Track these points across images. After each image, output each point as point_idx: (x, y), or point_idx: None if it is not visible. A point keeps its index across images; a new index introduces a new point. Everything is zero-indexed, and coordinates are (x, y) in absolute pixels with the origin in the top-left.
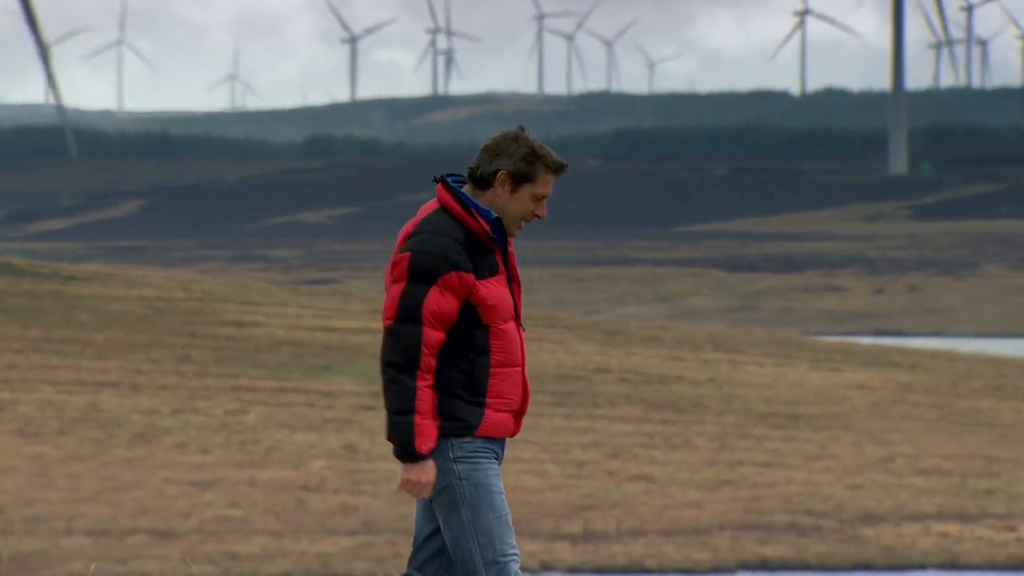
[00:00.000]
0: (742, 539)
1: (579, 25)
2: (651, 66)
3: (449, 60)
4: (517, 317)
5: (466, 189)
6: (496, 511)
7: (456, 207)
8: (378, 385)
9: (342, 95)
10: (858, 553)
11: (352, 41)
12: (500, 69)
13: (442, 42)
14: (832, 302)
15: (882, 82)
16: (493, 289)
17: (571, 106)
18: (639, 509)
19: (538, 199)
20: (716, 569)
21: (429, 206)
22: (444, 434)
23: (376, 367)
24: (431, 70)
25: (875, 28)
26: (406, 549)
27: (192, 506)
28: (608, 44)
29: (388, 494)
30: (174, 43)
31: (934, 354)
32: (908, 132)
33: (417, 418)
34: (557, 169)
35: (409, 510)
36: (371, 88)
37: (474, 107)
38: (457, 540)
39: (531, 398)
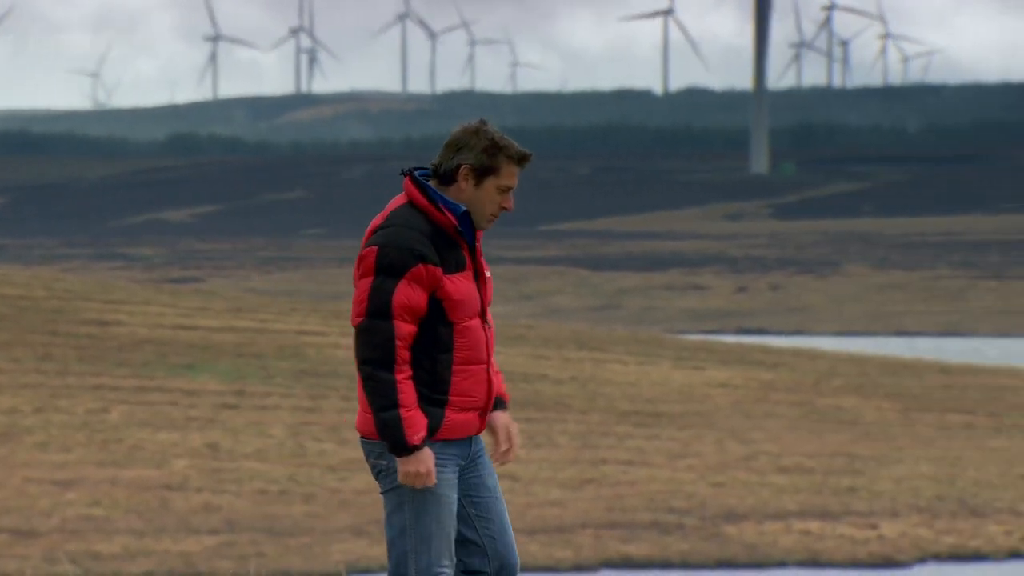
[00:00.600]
0: (605, 537)
1: (442, 24)
2: (514, 65)
3: (312, 59)
4: (483, 314)
5: (432, 185)
6: (440, 522)
7: (423, 200)
8: (242, 384)
9: (205, 93)
10: (720, 551)
11: (215, 39)
12: (364, 68)
13: (305, 41)
14: (694, 300)
15: (744, 82)
16: (459, 284)
17: (434, 105)
18: None
19: (503, 191)
20: (578, 567)
21: (397, 200)
22: None
23: (240, 365)
24: (294, 68)
25: (737, 28)
26: (269, 548)
27: (54, 505)
28: (471, 43)
29: (251, 493)
30: (34, 40)
31: (796, 352)
32: (770, 131)
33: (403, 411)
34: (520, 159)
35: (273, 509)
36: (233, 87)
37: (337, 106)
38: (394, 541)
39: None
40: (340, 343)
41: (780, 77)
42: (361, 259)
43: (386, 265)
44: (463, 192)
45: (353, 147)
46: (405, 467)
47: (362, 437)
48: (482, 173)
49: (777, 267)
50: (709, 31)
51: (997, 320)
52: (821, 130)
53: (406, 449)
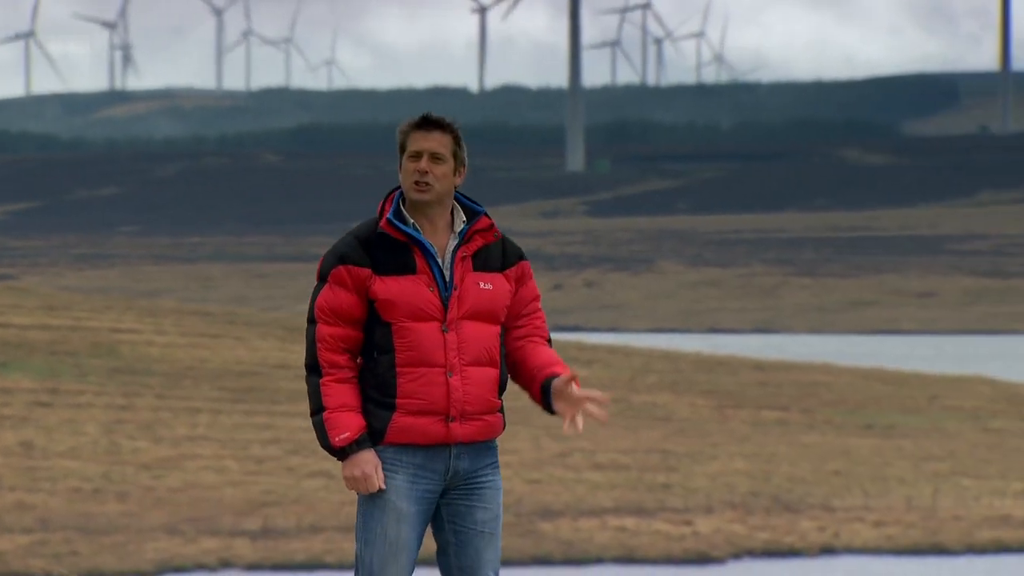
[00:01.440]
0: None
1: (258, 21)
2: (330, 63)
3: (126, 56)
4: (445, 319)
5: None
6: (385, 530)
7: (379, 207)
8: (55, 381)
9: (17, 90)
10: (536, 547)
11: (28, 36)
12: (178, 65)
13: (119, 37)
14: None
15: (559, 79)
16: (393, 285)
17: (250, 102)
18: (319, 505)
19: (413, 157)
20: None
21: None
22: None
23: (54, 363)
24: (108, 65)
25: (551, 25)
26: (83, 546)
27: None
28: (287, 40)
29: (65, 491)
30: None
31: (611, 349)
32: (585, 129)
33: (326, 414)
34: (418, 124)
35: (87, 507)
36: (47, 83)
37: (152, 102)
38: (356, 540)
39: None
40: (155, 340)
41: (595, 75)
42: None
43: (320, 271)
44: (401, 183)
45: (168, 144)
46: (344, 471)
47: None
48: (401, 155)
49: (592, 264)
50: (522, 29)
51: (810, 317)
52: (636, 128)
53: (334, 452)
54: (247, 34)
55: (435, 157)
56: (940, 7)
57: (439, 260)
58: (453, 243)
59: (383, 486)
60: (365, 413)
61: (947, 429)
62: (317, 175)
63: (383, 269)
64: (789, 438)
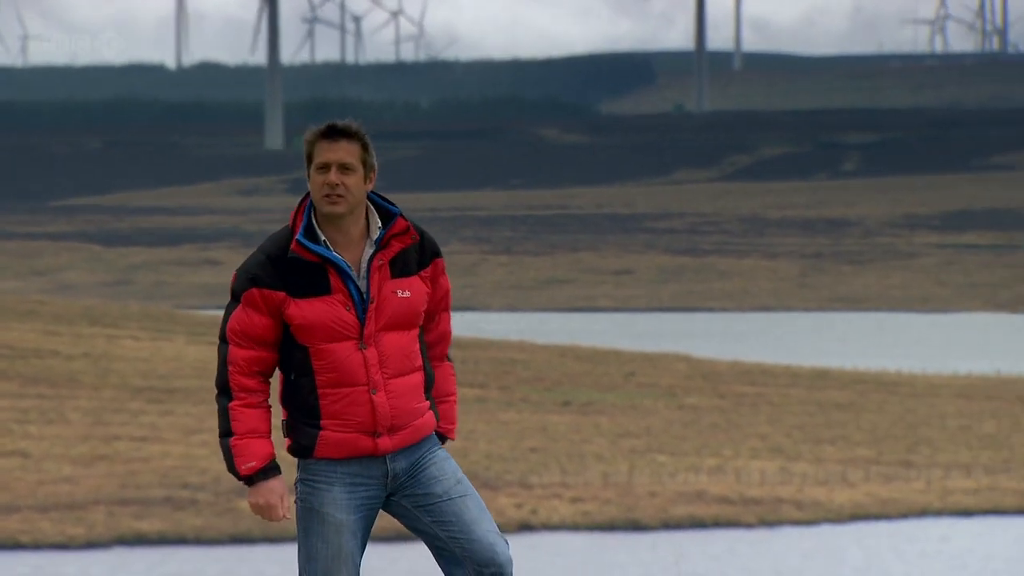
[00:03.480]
0: (118, 514)
1: None
2: (23, 38)
3: None
4: (362, 336)
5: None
6: (327, 541)
7: (290, 222)
8: None
9: None
10: (234, 526)
11: None
12: None
13: None
14: (209, 276)
15: (258, 57)
16: (308, 308)
17: None
18: (13, 485)
19: (321, 169)
20: (91, 544)
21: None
22: (291, 453)
23: None
24: None
25: (246, 3)
26: None
27: None
28: None
29: None
30: None
31: None
32: (284, 107)
33: (233, 440)
34: (324, 133)
35: None
36: None
37: None
38: (298, 554)
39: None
40: None
41: (294, 52)
42: None
43: (232, 289)
44: (311, 195)
45: None
46: (248, 499)
47: None
48: (308, 166)
49: None
50: (218, 5)
51: (508, 295)
52: (335, 106)
53: (240, 479)
54: None
55: (344, 168)
56: None
57: (354, 276)
58: (369, 251)
59: (288, 515)
60: (294, 430)
61: (643, 406)
62: (12, 153)
63: (297, 292)
64: (487, 416)
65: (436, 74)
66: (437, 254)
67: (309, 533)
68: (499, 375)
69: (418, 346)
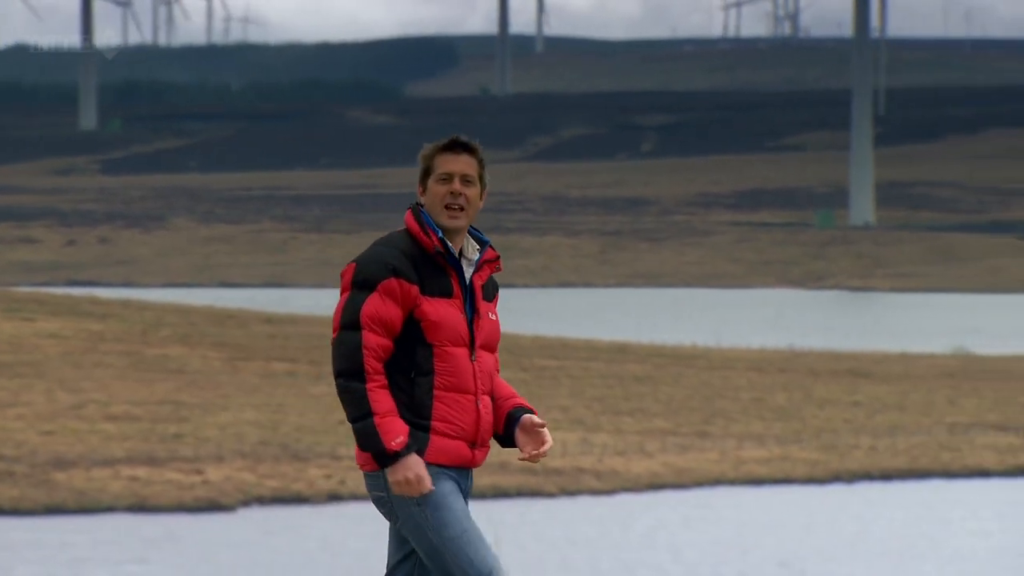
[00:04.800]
0: None
1: None
2: None
3: None
4: (472, 347)
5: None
6: (465, 523)
7: (414, 224)
8: None
9: None
10: (49, 497)
11: None
12: None
13: None
14: (25, 253)
15: (72, 38)
16: (440, 307)
17: None
18: None
19: (443, 180)
20: None
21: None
22: None
23: None
24: None
25: None
26: None
27: None
28: None
29: None
30: None
31: (125, 304)
32: (98, 88)
33: (376, 419)
34: (446, 146)
35: None
36: None
37: None
38: (435, 566)
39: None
40: None
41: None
42: (341, 277)
43: (360, 280)
44: (426, 207)
45: None
46: (393, 476)
47: (363, 471)
48: (424, 178)
49: (106, 221)
50: None
51: (318, 271)
52: (147, 87)
53: (388, 457)
54: None
55: (466, 179)
56: None
57: (470, 289)
58: (469, 270)
59: (432, 487)
60: None
61: None
62: None
63: (428, 290)
64: (298, 389)
65: (246, 56)
66: (497, 288)
67: (445, 524)
68: (309, 349)
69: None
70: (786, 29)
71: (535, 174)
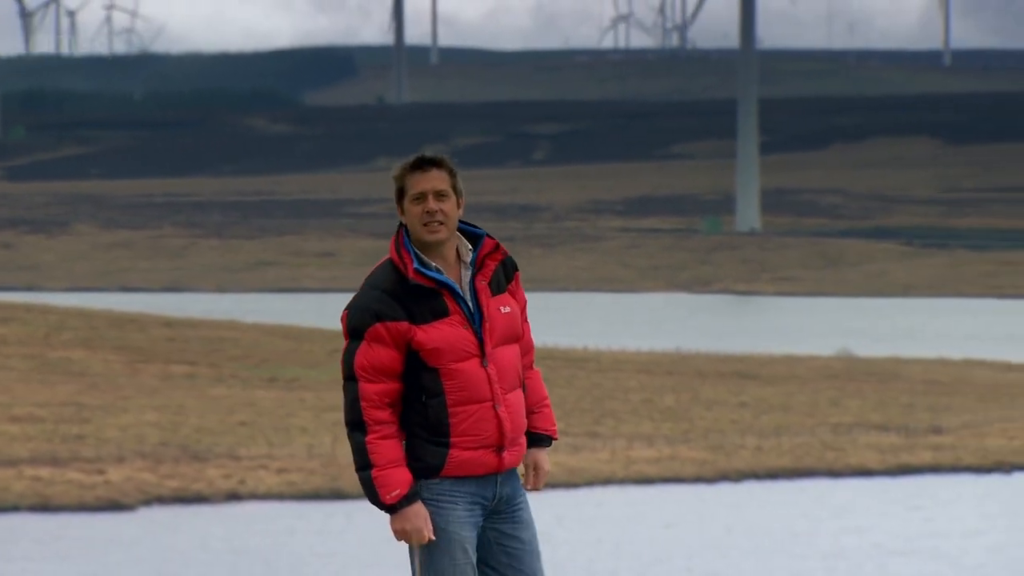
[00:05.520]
0: None
1: None
2: None
3: None
4: (483, 353)
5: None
6: (453, 558)
7: (395, 255)
8: None
9: None
10: None
11: None
12: None
13: None
14: None
15: None
16: (435, 332)
17: None
18: None
19: (417, 200)
20: None
21: (383, 259)
22: (414, 475)
23: None
24: None
25: None
26: None
27: None
28: None
29: None
30: None
31: (28, 308)
32: (1, 97)
33: (374, 472)
34: (414, 165)
35: None
36: None
37: None
38: (420, 569)
39: (511, 425)
40: None
41: (9, 45)
42: (341, 322)
43: (351, 329)
44: (407, 226)
45: None
46: (393, 525)
47: None
48: (399, 199)
49: (9, 227)
50: None
51: (218, 276)
52: (51, 96)
53: (385, 508)
54: None
55: (439, 195)
56: None
57: (465, 298)
58: (468, 274)
59: (432, 537)
60: (418, 450)
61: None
62: None
63: (420, 318)
64: (197, 391)
65: (148, 66)
66: (515, 267)
67: (436, 551)
68: (209, 352)
69: (520, 361)
70: (674, 40)
71: None
